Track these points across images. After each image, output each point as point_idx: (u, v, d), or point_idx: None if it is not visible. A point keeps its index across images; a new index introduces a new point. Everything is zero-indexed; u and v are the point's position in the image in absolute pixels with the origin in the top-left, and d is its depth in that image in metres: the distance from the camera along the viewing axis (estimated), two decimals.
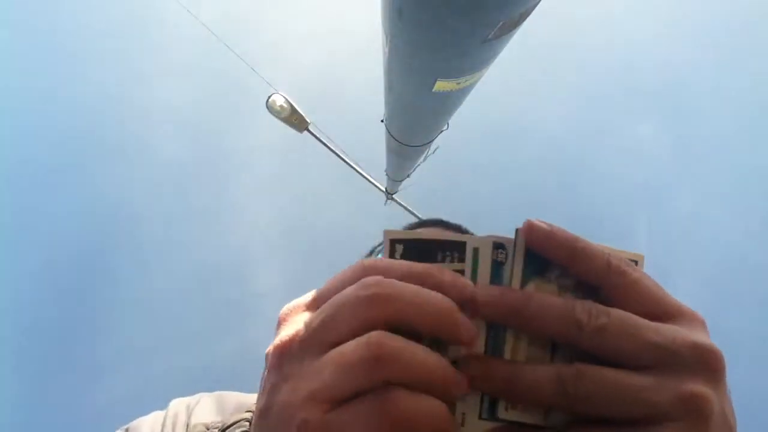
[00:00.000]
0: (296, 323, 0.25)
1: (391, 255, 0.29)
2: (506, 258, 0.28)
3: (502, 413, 0.27)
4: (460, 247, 0.29)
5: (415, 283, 0.25)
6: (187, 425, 0.43)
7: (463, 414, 0.27)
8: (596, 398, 0.23)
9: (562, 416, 0.26)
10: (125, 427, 0.45)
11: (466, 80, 1.69)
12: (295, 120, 2.84)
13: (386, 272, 0.25)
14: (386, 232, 0.29)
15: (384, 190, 4.39)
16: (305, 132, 2.98)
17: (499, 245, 0.28)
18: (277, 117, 2.84)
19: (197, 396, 0.49)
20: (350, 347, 0.23)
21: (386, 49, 1.74)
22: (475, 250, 0.28)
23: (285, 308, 0.27)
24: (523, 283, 0.28)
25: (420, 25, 1.31)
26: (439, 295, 0.24)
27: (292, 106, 2.79)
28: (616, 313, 0.24)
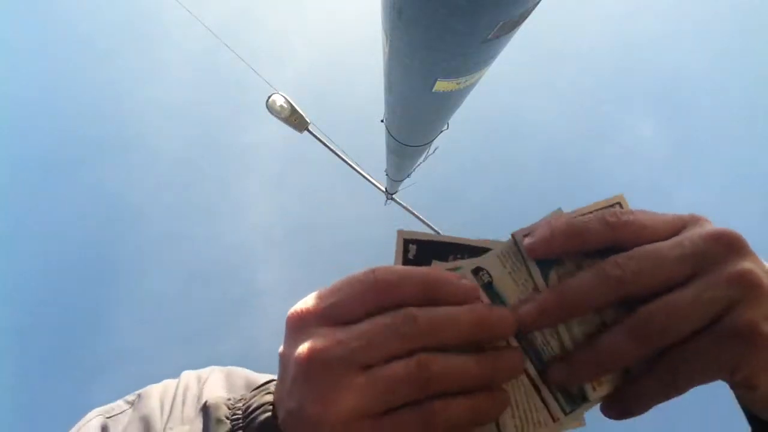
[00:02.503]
0: (323, 336, 0.26)
1: (405, 255, 0.29)
2: (491, 278, 0.29)
3: (592, 394, 0.28)
4: (473, 250, 0.29)
5: (429, 294, 0.26)
6: (198, 398, 0.44)
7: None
8: (667, 329, 0.25)
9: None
10: (138, 392, 0.45)
11: (466, 80, 1.69)
12: (295, 120, 2.84)
13: (399, 283, 0.26)
14: (399, 233, 0.29)
15: (384, 190, 4.39)
16: (305, 132, 2.98)
17: (477, 270, 0.29)
18: (277, 117, 2.84)
19: (208, 369, 0.49)
20: (400, 367, 0.25)
21: (386, 49, 1.74)
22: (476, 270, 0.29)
23: (293, 312, 0.28)
24: (545, 277, 0.28)
25: (420, 25, 1.31)
26: (465, 309, 0.26)
27: (292, 106, 2.79)
28: (638, 252, 0.26)
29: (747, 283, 0.25)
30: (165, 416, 0.42)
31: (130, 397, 0.45)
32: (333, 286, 0.28)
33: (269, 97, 2.78)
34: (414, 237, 0.29)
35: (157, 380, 0.46)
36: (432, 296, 0.27)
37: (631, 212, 0.28)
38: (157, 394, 0.44)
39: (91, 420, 0.42)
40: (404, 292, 0.26)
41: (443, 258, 0.29)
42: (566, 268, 0.28)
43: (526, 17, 1.33)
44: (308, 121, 2.87)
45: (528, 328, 0.27)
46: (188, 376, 0.48)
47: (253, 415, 0.30)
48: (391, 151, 3.47)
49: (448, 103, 2.06)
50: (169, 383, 0.47)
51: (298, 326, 0.28)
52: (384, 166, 4.16)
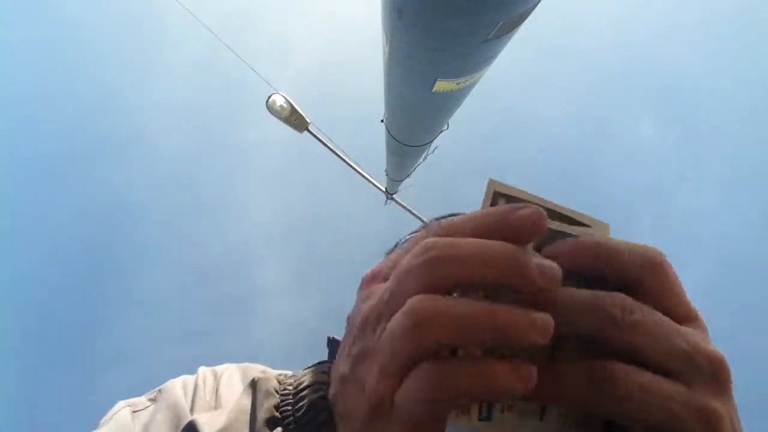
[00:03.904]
0: (374, 294, 0.26)
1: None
2: None
3: (498, 415, 0.25)
4: (567, 220, 0.26)
5: (483, 237, 0.23)
6: (216, 390, 0.44)
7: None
8: (624, 401, 0.22)
9: (555, 415, 0.25)
10: (158, 388, 0.45)
11: (466, 80, 1.69)
12: (295, 120, 2.84)
13: (453, 232, 0.24)
14: (491, 182, 0.26)
15: (384, 190, 4.39)
16: (305, 132, 2.98)
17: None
18: (277, 117, 2.84)
19: (224, 366, 0.49)
20: (395, 319, 0.23)
21: (386, 49, 1.73)
22: None
23: (367, 273, 0.28)
24: None
25: (420, 25, 1.31)
26: (500, 243, 0.22)
27: (292, 106, 2.79)
28: (649, 311, 0.23)
29: (712, 425, 0.23)
30: (189, 404, 0.42)
31: (151, 394, 0.44)
32: (405, 245, 0.27)
33: (269, 97, 2.78)
34: (508, 192, 0.26)
35: (161, 380, 0.46)
36: (500, 280, 0.23)
37: (673, 270, 0.25)
38: (179, 384, 0.44)
39: (120, 410, 0.41)
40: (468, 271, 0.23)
41: None
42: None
43: (526, 17, 1.33)
44: (308, 121, 2.86)
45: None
46: (204, 371, 0.48)
47: (303, 393, 0.29)
48: (391, 151, 3.47)
49: (448, 103, 2.06)
50: (187, 377, 0.46)
51: (365, 287, 0.28)
52: (384, 166, 4.16)
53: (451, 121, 2.73)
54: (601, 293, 0.24)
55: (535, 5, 1.26)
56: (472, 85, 1.84)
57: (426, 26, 1.29)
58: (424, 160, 3.71)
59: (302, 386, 0.30)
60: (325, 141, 3.09)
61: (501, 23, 1.23)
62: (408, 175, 4.27)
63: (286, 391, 0.30)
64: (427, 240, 0.23)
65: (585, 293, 0.24)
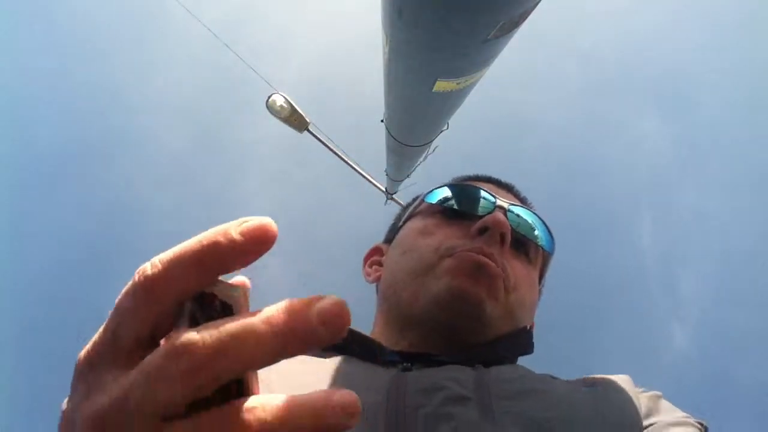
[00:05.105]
0: (110, 385, 0.22)
1: None
2: None
3: None
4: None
5: (212, 268, 0.21)
6: None
7: None
8: None
9: None
10: None
11: (466, 80, 1.69)
12: (294, 120, 2.84)
13: (168, 274, 0.21)
14: None
15: (384, 190, 4.39)
16: (305, 132, 2.98)
17: None
18: (277, 117, 2.84)
19: None
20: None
21: (386, 49, 1.74)
22: None
23: (80, 355, 0.24)
24: None
25: (420, 25, 1.31)
26: (264, 317, 0.20)
27: (292, 106, 2.79)
28: None
29: None
30: None
31: None
32: (115, 305, 0.23)
33: (269, 97, 2.78)
34: None
35: None
36: (217, 269, 0.21)
37: None
38: None
39: None
40: (180, 283, 0.21)
41: None
42: None
43: (526, 17, 1.33)
44: (308, 120, 2.87)
45: None
46: None
47: None
48: (391, 151, 3.47)
49: (448, 103, 2.06)
50: None
51: (85, 372, 0.23)
52: (384, 166, 4.16)
53: (451, 121, 2.73)
54: None
55: (535, 5, 1.26)
56: (472, 85, 1.84)
57: (426, 26, 1.29)
58: (424, 160, 3.71)
59: None
60: (325, 141, 3.09)
61: (501, 23, 1.23)
62: (408, 175, 4.27)
63: None
64: (178, 341, 0.19)
65: None
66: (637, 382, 0.60)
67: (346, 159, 3.35)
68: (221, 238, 0.21)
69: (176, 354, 0.19)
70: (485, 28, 1.25)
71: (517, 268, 0.68)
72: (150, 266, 0.22)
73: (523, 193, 0.85)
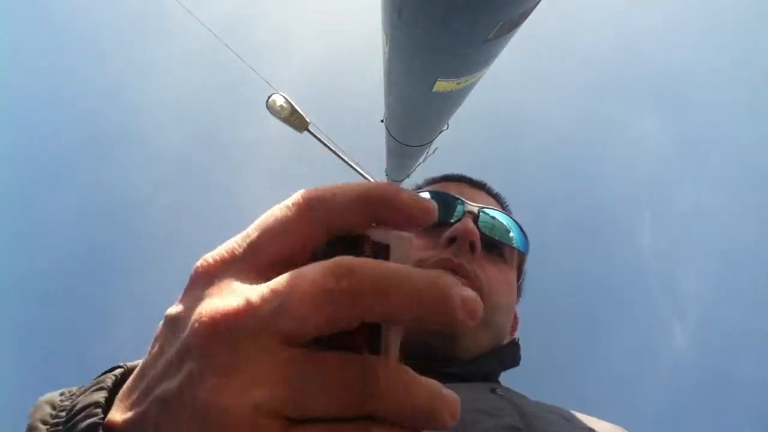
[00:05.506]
0: (233, 293, 0.20)
1: None
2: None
3: None
4: None
5: (373, 213, 0.20)
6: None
7: None
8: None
9: None
10: None
11: (466, 80, 1.69)
12: (294, 120, 2.84)
13: (330, 202, 0.20)
14: None
15: None
16: (305, 132, 2.98)
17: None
18: (276, 117, 2.84)
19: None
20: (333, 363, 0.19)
21: (386, 49, 1.74)
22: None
23: (202, 260, 0.22)
24: None
25: (420, 25, 1.31)
26: (427, 278, 0.18)
27: (292, 106, 2.79)
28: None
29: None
30: None
31: None
32: (257, 221, 0.21)
33: (269, 97, 2.78)
34: None
35: None
36: (380, 215, 0.20)
37: None
38: None
39: None
40: (345, 212, 0.20)
41: None
42: None
43: (526, 17, 1.33)
44: (308, 120, 2.87)
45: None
46: None
47: (74, 420, 0.22)
48: (391, 151, 3.47)
49: (448, 103, 2.06)
50: None
51: (204, 279, 0.21)
52: (384, 166, 4.17)
53: (451, 121, 2.73)
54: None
55: (535, 5, 1.26)
56: (472, 85, 1.84)
57: (426, 26, 1.29)
58: (424, 160, 3.71)
59: (75, 411, 0.23)
60: (325, 141, 3.09)
61: (501, 23, 1.23)
62: (408, 175, 4.28)
63: (59, 419, 0.23)
64: (343, 261, 0.18)
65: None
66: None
67: (346, 159, 3.35)
68: (392, 188, 0.20)
69: (339, 272, 0.18)
70: (485, 28, 1.25)
71: (491, 273, 0.67)
72: (316, 188, 0.21)
73: (496, 190, 0.84)
